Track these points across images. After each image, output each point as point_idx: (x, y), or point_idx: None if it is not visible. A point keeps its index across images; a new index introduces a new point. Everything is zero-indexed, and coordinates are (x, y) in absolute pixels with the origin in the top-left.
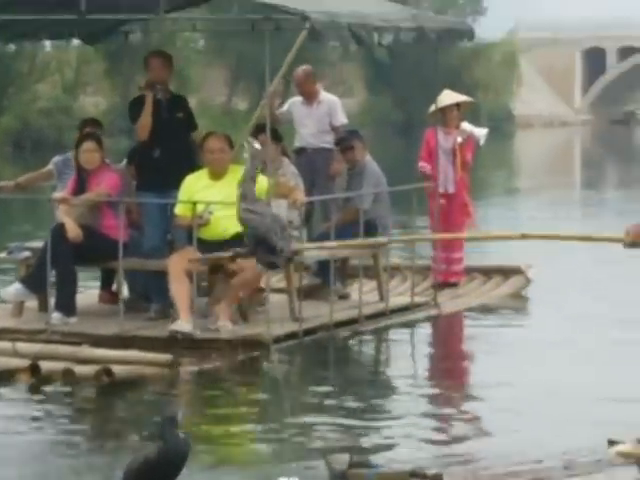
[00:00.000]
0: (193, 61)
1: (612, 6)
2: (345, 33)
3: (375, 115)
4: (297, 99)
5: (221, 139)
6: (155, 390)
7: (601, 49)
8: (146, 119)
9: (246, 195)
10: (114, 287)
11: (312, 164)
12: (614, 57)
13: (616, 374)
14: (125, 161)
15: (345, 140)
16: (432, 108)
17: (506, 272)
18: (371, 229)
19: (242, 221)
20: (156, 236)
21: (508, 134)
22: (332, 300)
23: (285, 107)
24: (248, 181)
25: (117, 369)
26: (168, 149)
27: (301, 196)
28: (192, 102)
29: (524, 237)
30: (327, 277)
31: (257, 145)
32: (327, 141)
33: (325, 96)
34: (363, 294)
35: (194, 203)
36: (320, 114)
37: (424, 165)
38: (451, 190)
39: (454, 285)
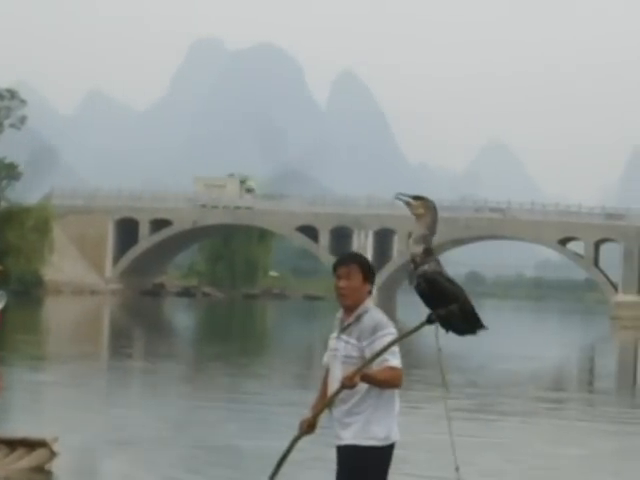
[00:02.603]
0: None
1: (146, 178)
2: None
3: None
4: None
5: None
6: None
7: (134, 220)
8: None
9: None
10: None
11: None
12: (146, 228)
13: None
14: None
15: None
16: None
17: (31, 444)
18: None
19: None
20: None
21: (37, 299)
22: None
23: None
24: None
25: None
26: None
27: None
28: None
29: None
30: None
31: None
32: None
33: None
34: None
35: None
36: None
37: None
38: None
39: None
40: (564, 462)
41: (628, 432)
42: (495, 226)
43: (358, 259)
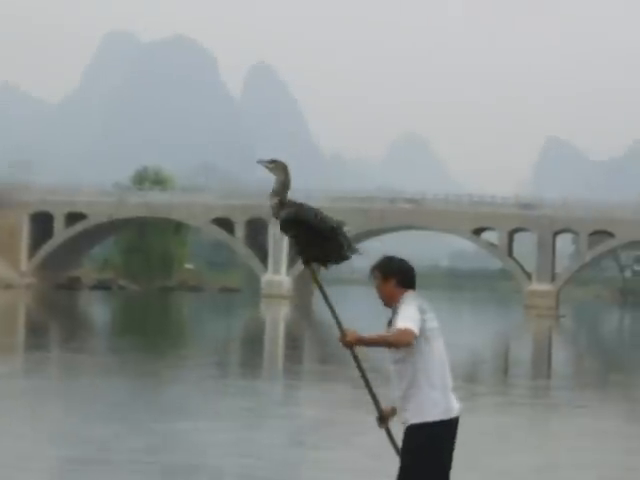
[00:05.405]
0: None
1: (61, 171)
2: None
3: None
4: None
5: None
6: None
7: (49, 214)
8: None
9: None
10: None
11: None
12: (61, 222)
13: None
14: None
15: None
16: None
17: None
18: None
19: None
20: None
21: None
22: None
23: None
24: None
25: None
26: None
27: None
28: None
29: None
30: None
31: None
32: None
33: None
34: None
35: None
36: None
37: None
38: None
39: None
40: (481, 444)
41: (544, 417)
42: (409, 217)
43: (377, 263)
